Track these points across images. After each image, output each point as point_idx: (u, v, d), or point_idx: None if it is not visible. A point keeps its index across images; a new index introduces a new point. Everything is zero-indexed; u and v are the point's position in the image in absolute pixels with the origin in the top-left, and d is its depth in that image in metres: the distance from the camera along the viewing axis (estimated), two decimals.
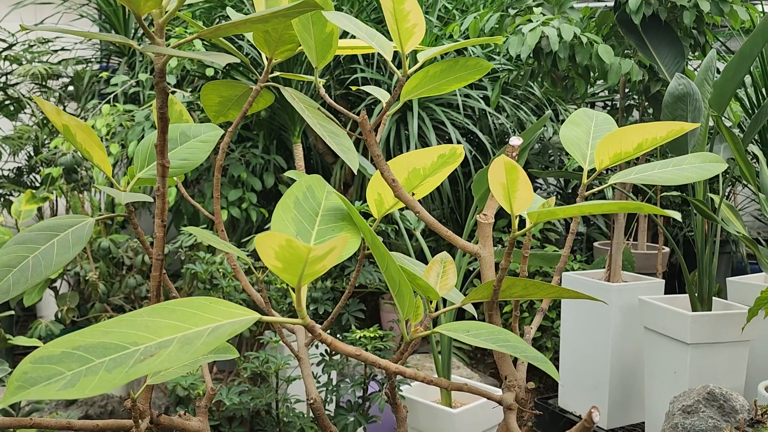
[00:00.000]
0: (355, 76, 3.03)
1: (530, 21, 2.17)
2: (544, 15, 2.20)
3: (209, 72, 2.72)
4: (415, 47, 0.80)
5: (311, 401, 1.02)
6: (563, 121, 3.48)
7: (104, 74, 3.02)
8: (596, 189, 0.93)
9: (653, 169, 0.95)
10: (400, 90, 0.76)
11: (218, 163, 1.23)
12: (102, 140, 2.74)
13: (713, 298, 2.16)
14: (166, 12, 0.72)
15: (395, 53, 0.80)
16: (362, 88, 0.82)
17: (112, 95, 2.86)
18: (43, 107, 0.82)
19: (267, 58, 1.11)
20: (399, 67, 0.84)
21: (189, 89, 3.05)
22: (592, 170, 0.92)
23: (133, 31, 3.87)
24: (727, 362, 2.06)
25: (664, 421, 1.74)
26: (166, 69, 0.73)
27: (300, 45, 1.04)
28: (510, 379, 0.71)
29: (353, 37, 0.84)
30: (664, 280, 2.46)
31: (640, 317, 2.25)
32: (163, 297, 0.82)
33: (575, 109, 3.17)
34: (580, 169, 3.08)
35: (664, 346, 2.13)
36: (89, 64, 3.85)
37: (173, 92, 2.89)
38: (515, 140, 0.84)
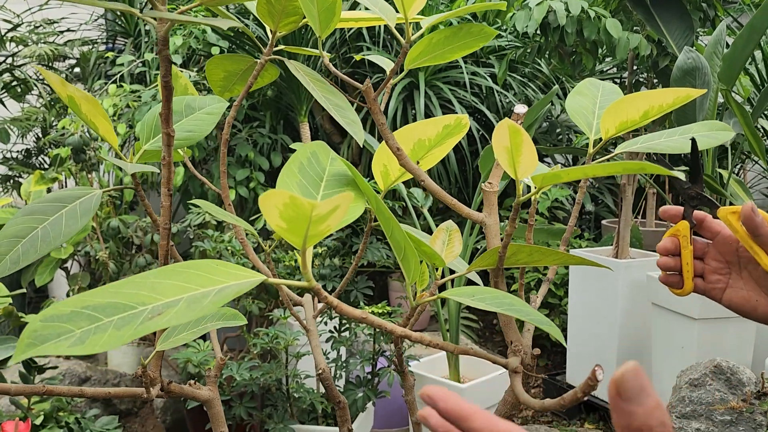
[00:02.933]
0: (361, 54, 3.02)
1: None
2: None
3: (215, 51, 2.71)
4: (417, 16, 0.79)
5: (320, 371, 1.03)
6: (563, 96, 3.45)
7: (110, 54, 3.01)
8: (602, 158, 0.93)
9: (660, 137, 0.94)
10: (403, 58, 0.75)
11: (224, 137, 1.23)
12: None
13: None
14: None
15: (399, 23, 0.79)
16: (366, 56, 0.82)
17: (118, 75, 2.86)
18: (48, 78, 0.82)
19: (271, 31, 1.11)
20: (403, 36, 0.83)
21: (195, 69, 3.04)
22: (598, 140, 0.92)
23: (139, 8, 3.86)
24: (734, 337, 2.06)
25: (672, 394, 1.75)
26: (168, 36, 0.73)
27: (304, 18, 1.04)
28: (515, 344, 0.71)
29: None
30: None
31: (648, 293, 2.25)
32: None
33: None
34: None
35: (671, 321, 2.13)
36: (95, 45, 3.84)
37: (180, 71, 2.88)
38: (520, 108, 0.83)
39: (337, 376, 2.00)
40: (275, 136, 3.12)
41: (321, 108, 3.39)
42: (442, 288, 2.06)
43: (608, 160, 0.95)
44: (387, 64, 0.85)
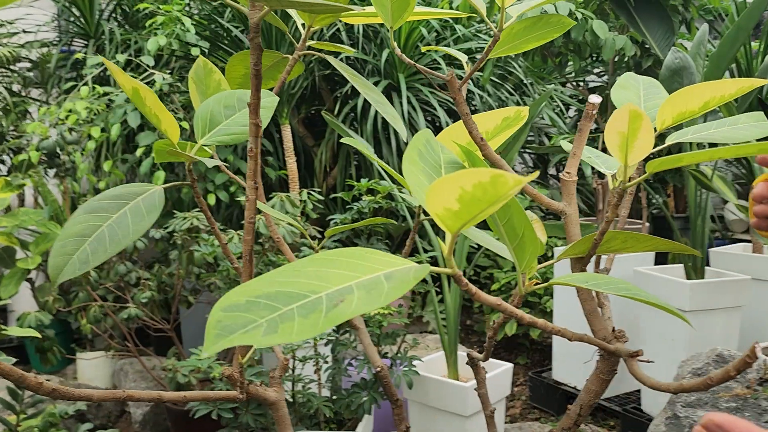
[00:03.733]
0: (341, 55, 3.00)
1: None
2: None
3: (195, 51, 2.64)
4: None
5: (378, 368, 1.01)
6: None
7: (79, 55, 2.89)
8: (657, 149, 0.95)
9: (709, 128, 0.97)
10: (492, 46, 0.75)
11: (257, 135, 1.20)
12: (80, 124, 2.63)
13: (705, 267, 2.24)
14: None
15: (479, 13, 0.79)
16: (439, 48, 0.81)
17: (89, 77, 2.75)
18: (111, 69, 0.79)
19: (303, 25, 1.09)
20: (487, 23, 0.83)
21: (167, 71, 2.96)
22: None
23: (98, 13, 3.73)
24: (722, 328, 2.14)
25: None
26: (260, 23, 0.71)
27: (342, 9, 1.02)
28: (618, 330, 0.72)
29: None
30: (653, 252, 2.53)
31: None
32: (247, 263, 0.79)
33: (552, 88, 3.22)
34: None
35: (661, 314, 2.20)
36: (53, 47, 3.69)
37: (152, 74, 2.80)
38: (595, 98, 0.84)
39: (338, 380, 1.97)
40: None
41: (296, 112, 3.35)
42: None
43: (660, 150, 0.97)
44: (462, 56, 0.85)
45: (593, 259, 0.94)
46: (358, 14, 1.05)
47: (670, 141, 0.94)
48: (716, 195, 4.72)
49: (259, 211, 2.36)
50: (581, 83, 3.90)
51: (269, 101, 0.98)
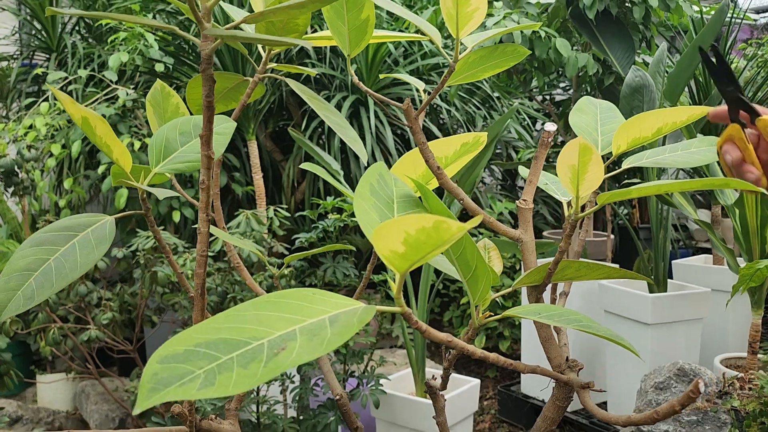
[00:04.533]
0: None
1: (491, 15, 2.21)
2: (503, 9, 2.24)
3: (159, 67, 2.61)
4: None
5: (338, 397, 1.00)
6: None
7: (40, 70, 2.84)
8: (610, 174, 0.96)
9: (664, 153, 0.98)
10: (447, 76, 0.75)
11: (218, 158, 1.19)
12: (41, 141, 2.58)
13: (667, 279, 2.28)
14: None
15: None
16: (398, 76, 0.81)
17: (49, 93, 2.69)
18: (61, 98, 0.77)
19: (263, 48, 1.08)
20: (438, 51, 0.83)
21: (131, 86, 2.92)
22: (606, 155, 0.95)
23: (60, 26, 3.66)
24: (684, 340, 2.17)
25: (637, 398, 1.82)
26: (212, 55, 0.70)
27: (303, 34, 1.01)
28: (571, 360, 0.72)
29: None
30: (617, 265, 2.56)
31: (600, 301, 2.33)
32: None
33: (519, 103, 3.27)
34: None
35: (625, 327, 2.22)
36: (14, 61, 3.61)
37: (116, 89, 2.76)
38: (550, 126, 0.85)
39: (306, 401, 1.95)
40: None
41: (263, 126, 3.33)
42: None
43: (616, 174, 0.98)
44: (419, 84, 0.85)
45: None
46: (317, 38, 1.05)
47: (626, 165, 0.96)
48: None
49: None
50: (548, 97, 3.96)
51: (226, 127, 0.97)
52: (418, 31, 2.95)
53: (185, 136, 0.94)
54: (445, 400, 0.88)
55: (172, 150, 0.92)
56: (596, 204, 0.69)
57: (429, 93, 3.21)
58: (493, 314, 0.68)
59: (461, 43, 0.75)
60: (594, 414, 0.64)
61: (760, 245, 1.84)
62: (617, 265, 2.36)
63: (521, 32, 2.14)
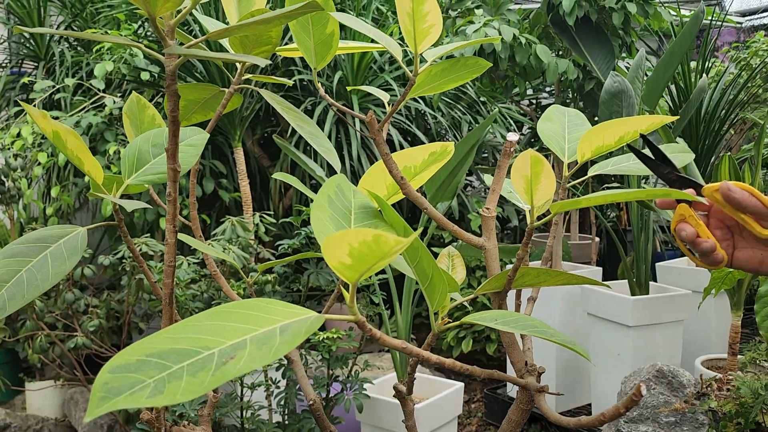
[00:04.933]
0: (293, 79, 3.02)
1: (472, 23, 2.24)
2: (484, 17, 2.27)
3: (144, 76, 2.62)
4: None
5: (310, 402, 1.01)
6: (496, 120, 3.58)
7: (26, 79, 2.85)
8: (576, 181, 0.98)
9: (628, 160, 1.01)
10: (409, 89, 0.77)
11: (193, 169, 1.21)
12: (28, 149, 2.59)
13: (649, 282, 2.30)
14: (179, 13, 0.70)
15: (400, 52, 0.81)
16: (365, 88, 0.83)
17: (39, 101, 2.71)
18: (31, 113, 0.79)
19: (242, 61, 1.10)
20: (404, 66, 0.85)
21: (118, 94, 2.93)
22: (572, 163, 0.97)
23: (48, 36, 3.67)
24: (665, 341, 2.20)
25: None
26: (176, 71, 0.72)
27: (276, 46, 1.04)
28: (530, 364, 0.74)
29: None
30: (601, 268, 2.59)
31: (583, 304, 2.36)
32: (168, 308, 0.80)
33: (505, 107, 3.29)
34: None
35: (607, 330, 2.25)
36: (2, 69, 3.62)
37: (102, 97, 2.77)
38: (513, 136, 0.87)
39: (290, 405, 1.96)
40: (205, 161, 3.05)
41: (251, 133, 3.34)
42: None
43: (584, 181, 1.00)
44: (384, 96, 0.87)
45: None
46: (287, 50, 1.07)
47: (591, 173, 0.98)
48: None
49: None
50: (534, 101, 3.99)
51: (198, 139, 0.99)
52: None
53: (158, 148, 0.96)
54: (414, 403, 0.90)
55: (145, 162, 0.93)
56: (550, 213, 0.72)
57: (391, 104, 3.23)
58: (452, 321, 0.70)
59: (422, 57, 0.77)
60: (547, 416, 0.66)
61: None
62: (600, 269, 2.37)
63: (501, 39, 2.16)
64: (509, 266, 0.87)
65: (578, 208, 3.29)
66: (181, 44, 1.70)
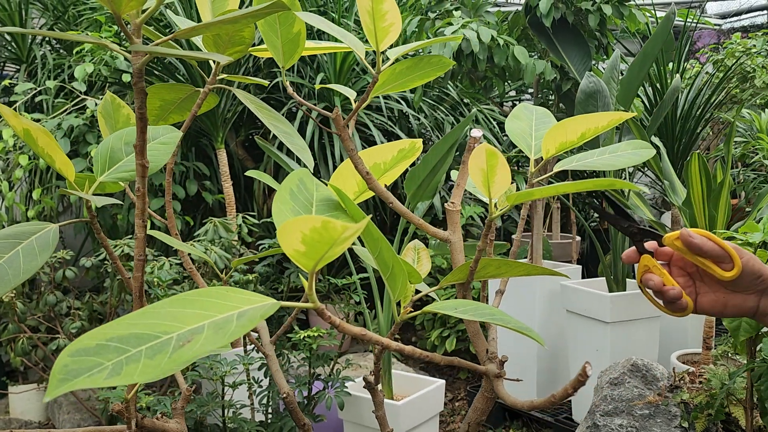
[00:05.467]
0: (275, 81, 3.03)
1: (450, 24, 2.27)
2: (462, 18, 2.30)
3: (126, 78, 2.63)
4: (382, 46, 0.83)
5: (284, 395, 1.03)
6: (476, 121, 3.62)
7: (7, 82, 2.84)
8: (542, 177, 1.01)
9: (592, 156, 1.03)
10: (373, 86, 0.80)
11: (169, 167, 1.22)
12: (9, 152, 2.59)
13: (626, 279, 2.34)
14: (144, 12, 0.72)
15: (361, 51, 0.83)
16: (329, 86, 0.85)
17: (20, 103, 2.70)
18: (2, 111, 0.80)
19: (214, 60, 1.12)
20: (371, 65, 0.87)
21: (100, 97, 2.93)
22: (538, 159, 1.00)
23: (30, 37, 3.67)
24: (642, 337, 2.23)
25: (594, 394, 1.87)
26: (144, 69, 0.73)
27: (250, 46, 1.06)
28: (491, 352, 0.77)
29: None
30: (580, 266, 2.63)
31: (562, 301, 2.39)
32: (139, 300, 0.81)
33: (488, 108, 3.33)
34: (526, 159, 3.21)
35: (585, 326, 2.28)
36: None
37: (84, 99, 2.78)
38: (476, 132, 0.89)
39: (271, 404, 1.98)
40: (188, 163, 3.06)
41: (234, 135, 3.36)
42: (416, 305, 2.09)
43: (549, 177, 1.03)
44: (350, 93, 0.89)
45: (483, 282, 0.99)
46: (260, 50, 1.09)
47: (558, 168, 1.01)
48: (654, 204, 4.91)
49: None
50: (516, 103, 4.03)
51: (170, 137, 1.00)
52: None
53: (131, 146, 0.97)
54: (384, 394, 0.92)
55: (118, 159, 0.95)
56: (506, 205, 0.74)
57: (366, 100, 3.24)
58: (414, 310, 0.72)
59: (385, 56, 0.79)
60: (504, 400, 0.68)
61: None
62: (580, 267, 2.41)
63: (479, 40, 2.19)
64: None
65: (560, 208, 3.33)
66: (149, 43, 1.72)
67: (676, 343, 2.53)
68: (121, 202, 2.81)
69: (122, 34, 3.09)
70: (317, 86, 0.99)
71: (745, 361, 1.42)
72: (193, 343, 0.48)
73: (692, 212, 1.86)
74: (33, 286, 2.53)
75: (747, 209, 2.99)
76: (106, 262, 2.28)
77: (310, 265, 0.54)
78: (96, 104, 2.68)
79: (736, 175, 3.16)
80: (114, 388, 2.22)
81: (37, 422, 2.88)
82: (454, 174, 0.95)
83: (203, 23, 0.75)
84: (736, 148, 2.94)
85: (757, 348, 1.36)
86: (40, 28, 3.84)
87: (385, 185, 0.91)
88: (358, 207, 0.68)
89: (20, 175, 2.52)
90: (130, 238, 2.39)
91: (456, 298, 0.84)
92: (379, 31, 0.72)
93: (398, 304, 0.72)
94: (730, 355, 1.83)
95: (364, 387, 0.94)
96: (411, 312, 0.72)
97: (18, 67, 3.62)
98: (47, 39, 3.73)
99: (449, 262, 3.10)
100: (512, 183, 0.91)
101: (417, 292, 0.80)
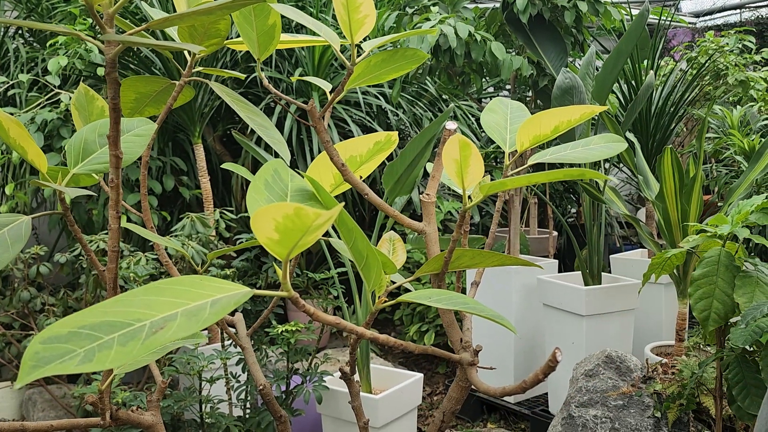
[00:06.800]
0: (252, 75, 3.02)
1: (428, 20, 2.28)
2: (440, 14, 2.31)
3: (100, 71, 2.60)
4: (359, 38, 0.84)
5: (261, 387, 1.04)
6: (455, 117, 3.63)
7: None
8: (517, 170, 1.02)
9: (566, 149, 1.05)
10: (348, 78, 0.80)
11: (144, 159, 1.22)
12: None
13: (602, 273, 2.37)
14: (116, 2, 0.72)
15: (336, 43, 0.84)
16: (305, 78, 0.86)
17: None
18: None
19: (189, 53, 1.11)
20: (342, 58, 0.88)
21: (74, 90, 2.89)
22: (513, 152, 1.01)
23: (3, 29, 3.60)
24: (617, 329, 2.27)
25: (569, 386, 1.90)
26: (116, 59, 0.73)
27: (225, 39, 1.05)
28: (465, 341, 0.78)
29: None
30: (557, 261, 2.66)
31: (539, 295, 2.42)
32: (111, 291, 0.81)
33: (466, 104, 3.35)
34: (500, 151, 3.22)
35: (562, 319, 2.31)
36: None
37: (58, 93, 2.74)
38: (451, 124, 0.90)
39: (249, 399, 1.97)
40: (165, 158, 3.04)
41: (212, 130, 3.33)
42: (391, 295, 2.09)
43: (524, 170, 1.05)
44: (326, 86, 0.89)
45: (459, 273, 1.00)
46: (236, 42, 1.08)
47: (531, 161, 1.02)
48: (630, 199, 4.97)
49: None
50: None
51: (145, 129, 1.00)
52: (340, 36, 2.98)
53: (104, 138, 0.96)
54: (360, 385, 0.93)
55: (91, 151, 0.94)
56: (479, 196, 0.75)
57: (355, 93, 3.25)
58: (389, 300, 0.73)
59: (360, 48, 0.80)
60: (477, 387, 0.69)
61: (681, 237, 1.94)
62: (557, 261, 2.43)
63: (456, 36, 2.20)
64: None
65: (537, 203, 3.36)
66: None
67: (650, 336, 2.57)
68: (96, 194, 2.78)
69: (97, 27, 3.05)
70: (294, 78, 0.99)
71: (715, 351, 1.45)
72: (166, 330, 0.49)
73: (665, 206, 1.89)
74: (6, 283, 2.50)
75: (719, 204, 3.05)
76: (81, 257, 2.26)
77: (284, 253, 0.55)
78: (70, 98, 2.65)
79: (708, 171, 3.21)
80: (89, 383, 2.20)
81: (12, 420, 2.84)
82: (429, 166, 0.96)
83: (177, 14, 0.75)
84: (708, 144, 3.00)
85: (726, 338, 1.39)
86: None
87: (361, 177, 0.91)
88: (332, 197, 0.69)
89: None
90: (106, 233, 2.36)
91: (431, 288, 0.85)
92: (353, 22, 0.73)
93: (373, 294, 0.73)
94: (701, 346, 1.87)
95: (340, 378, 0.94)
96: (386, 302, 0.73)
97: None
98: (20, 32, 3.67)
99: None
100: (488, 176, 0.92)
101: (393, 283, 0.80)
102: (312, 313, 0.61)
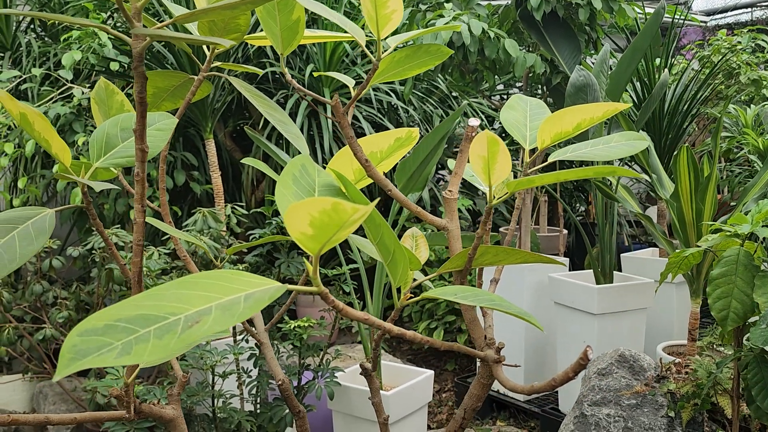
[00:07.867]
0: (265, 71, 3.02)
1: (441, 16, 2.27)
2: (454, 11, 2.30)
3: (114, 66, 2.60)
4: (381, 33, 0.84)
5: (279, 382, 1.04)
6: (465, 114, 3.63)
7: None
8: (538, 167, 1.02)
9: (586, 147, 1.04)
10: (373, 74, 0.80)
11: (162, 154, 1.22)
12: None
13: (613, 271, 2.37)
14: None
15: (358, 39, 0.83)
16: (329, 74, 0.85)
17: (4, 91, 2.67)
18: None
19: (208, 47, 1.11)
20: (366, 53, 0.87)
21: (87, 85, 2.90)
22: (533, 150, 1.01)
23: (15, 24, 3.61)
24: (629, 328, 2.26)
25: (582, 385, 1.89)
26: (144, 53, 0.73)
27: (245, 33, 1.05)
28: (489, 338, 0.77)
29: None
30: (568, 259, 2.65)
31: (550, 293, 2.41)
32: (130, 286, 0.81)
33: (476, 101, 3.34)
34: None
35: (573, 317, 2.30)
36: None
37: (71, 87, 2.75)
38: (473, 121, 0.90)
39: (261, 394, 1.98)
40: (176, 153, 3.04)
41: (222, 125, 3.34)
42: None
43: (538, 169, 1.04)
44: (349, 81, 0.89)
45: (479, 270, 0.99)
46: (256, 37, 1.08)
47: (552, 158, 1.01)
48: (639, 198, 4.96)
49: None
50: (505, 96, 4.04)
51: (166, 123, 1.00)
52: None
53: (126, 132, 0.97)
54: (381, 383, 0.93)
55: (113, 145, 0.94)
56: (505, 193, 0.75)
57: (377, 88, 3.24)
58: (413, 296, 0.72)
59: (386, 44, 0.80)
60: (503, 384, 0.69)
61: (696, 236, 1.93)
62: (567, 260, 2.43)
63: (470, 33, 2.20)
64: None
65: (547, 201, 3.35)
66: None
67: (663, 335, 2.57)
68: (119, 188, 2.79)
69: (109, 23, 3.06)
70: (316, 74, 0.99)
71: (731, 351, 1.44)
72: (202, 324, 0.49)
73: (680, 206, 1.88)
74: (19, 276, 2.51)
75: (732, 203, 3.03)
76: (93, 251, 2.26)
77: (315, 249, 0.55)
78: (83, 93, 2.65)
79: (720, 171, 3.20)
80: (103, 377, 2.21)
81: (23, 412, 2.85)
82: (451, 163, 0.96)
83: (201, 8, 0.75)
84: (722, 143, 2.98)
85: (745, 337, 1.38)
86: (23, 17, 3.78)
87: (383, 173, 0.91)
88: (360, 192, 0.69)
89: (5, 164, 2.49)
90: (118, 227, 2.37)
91: (453, 284, 0.85)
92: (380, 18, 0.72)
93: (398, 290, 0.73)
94: (715, 346, 1.86)
95: (360, 374, 0.94)
96: (410, 298, 0.72)
97: (2, 54, 3.57)
98: (32, 27, 3.68)
99: (437, 254, 3.12)
100: (511, 173, 0.91)
101: (415, 280, 0.80)
102: (341, 309, 0.61)
